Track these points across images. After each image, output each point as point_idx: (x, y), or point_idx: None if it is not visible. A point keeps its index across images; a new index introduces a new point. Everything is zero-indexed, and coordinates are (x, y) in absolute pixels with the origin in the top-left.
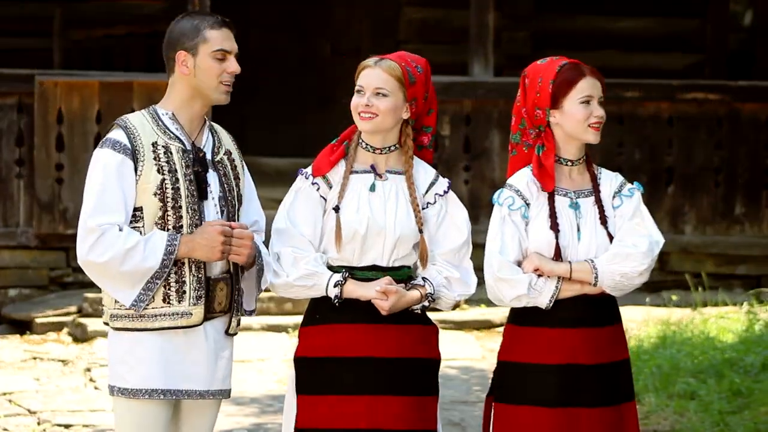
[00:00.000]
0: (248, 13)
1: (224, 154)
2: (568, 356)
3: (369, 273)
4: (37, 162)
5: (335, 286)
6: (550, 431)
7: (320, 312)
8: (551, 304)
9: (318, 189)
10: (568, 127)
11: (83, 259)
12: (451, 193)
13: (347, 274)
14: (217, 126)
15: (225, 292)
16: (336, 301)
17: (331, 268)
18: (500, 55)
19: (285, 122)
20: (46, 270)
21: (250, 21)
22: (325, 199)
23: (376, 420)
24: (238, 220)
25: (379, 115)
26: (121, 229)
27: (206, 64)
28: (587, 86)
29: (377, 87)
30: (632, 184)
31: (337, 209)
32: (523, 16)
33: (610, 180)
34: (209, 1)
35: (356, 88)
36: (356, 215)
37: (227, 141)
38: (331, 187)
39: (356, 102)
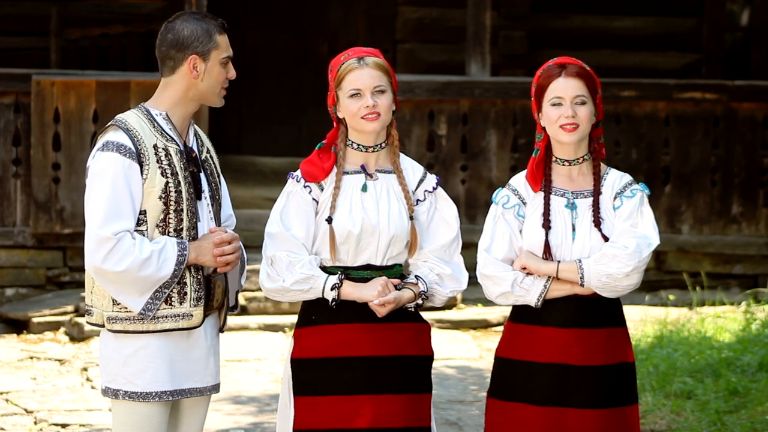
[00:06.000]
0: (246, 12)
1: (206, 153)
2: (558, 356)
3: (364, 272)
4: (34, 161)
5: (332, 289)
6: (538, 429)
7: (315, 313)
8: (540, 303)
9: (310, 192)
10: (548, 129)
11: (97, 266)
12: (440, 189)
13: (342, 276)
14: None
15: (221, 289)
16: (333, 303)
17: (324, 268)
18: (497, 55)
19: (282, 122)
20: (43, 269)
21: (248, 20)
22: (317, 201)
23: (375, 419)
24: (220, 217)
25: (382, 113)
26: (133, 237)
27: (216, 70)
28: (558, 88)
29: (376, 85)
30: (638, 185)
31: (329, 220)
32: (520, 15)
33: (614, 181)
34: (206, 0)
35: (350, 92)
36: (349, 216)
37: (205, 139)
38: (322, 190)
39: (357, 106)
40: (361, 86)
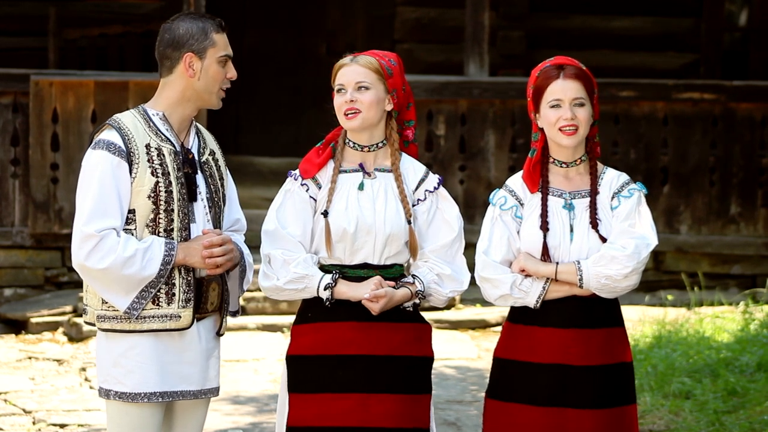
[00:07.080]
0: (244, 12)
1: (209, 155)
2: (557, 356)
3: (361, 271)
4: (33, 161)
5: (326, 288)
6: (537, 430)
7: (312, 310)
8: (539, 304)
9: (307, 190)
10: (546, 131)
11: (80, 263)
12: (442, 189)
13: (338, 275)
14: (200, 126)
15: (217, 291)
16: (327, 303)
17: (323, 267)
18: (495, 55)
19: (280, 122)
20: (41, 269)
21: (246, 20)
22: (315, 200)
23: (368, 418)
24: (222, 221)
25: (363, 110)
26: (118, 234)
27: (213, 68)
28: (556, 89)
29: (358, 81)
30: (635, 184)
31: (325, 214)
32: (518, 15)
33: (611, 181)
34: (204, 1)
35: (336, 88)
36: (345, 214)
37: (211, 142)
38: (320, 188)
39: (339, 102)
40: (344, 82)
